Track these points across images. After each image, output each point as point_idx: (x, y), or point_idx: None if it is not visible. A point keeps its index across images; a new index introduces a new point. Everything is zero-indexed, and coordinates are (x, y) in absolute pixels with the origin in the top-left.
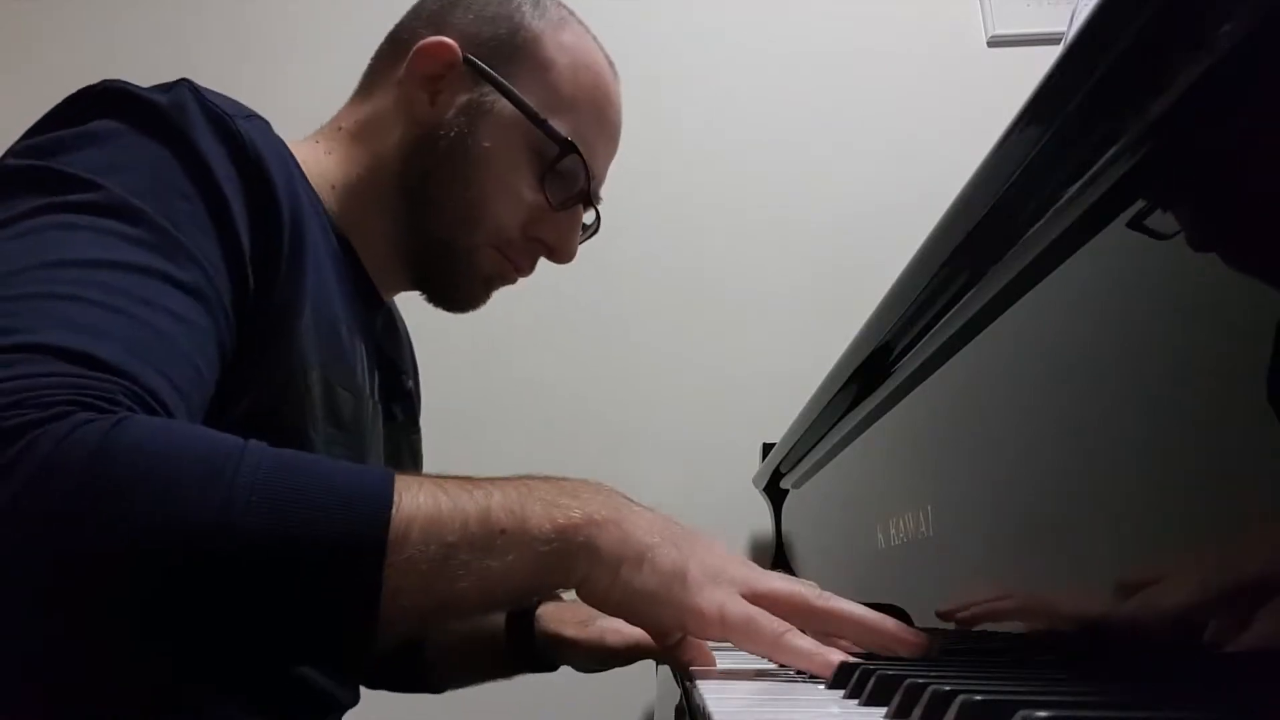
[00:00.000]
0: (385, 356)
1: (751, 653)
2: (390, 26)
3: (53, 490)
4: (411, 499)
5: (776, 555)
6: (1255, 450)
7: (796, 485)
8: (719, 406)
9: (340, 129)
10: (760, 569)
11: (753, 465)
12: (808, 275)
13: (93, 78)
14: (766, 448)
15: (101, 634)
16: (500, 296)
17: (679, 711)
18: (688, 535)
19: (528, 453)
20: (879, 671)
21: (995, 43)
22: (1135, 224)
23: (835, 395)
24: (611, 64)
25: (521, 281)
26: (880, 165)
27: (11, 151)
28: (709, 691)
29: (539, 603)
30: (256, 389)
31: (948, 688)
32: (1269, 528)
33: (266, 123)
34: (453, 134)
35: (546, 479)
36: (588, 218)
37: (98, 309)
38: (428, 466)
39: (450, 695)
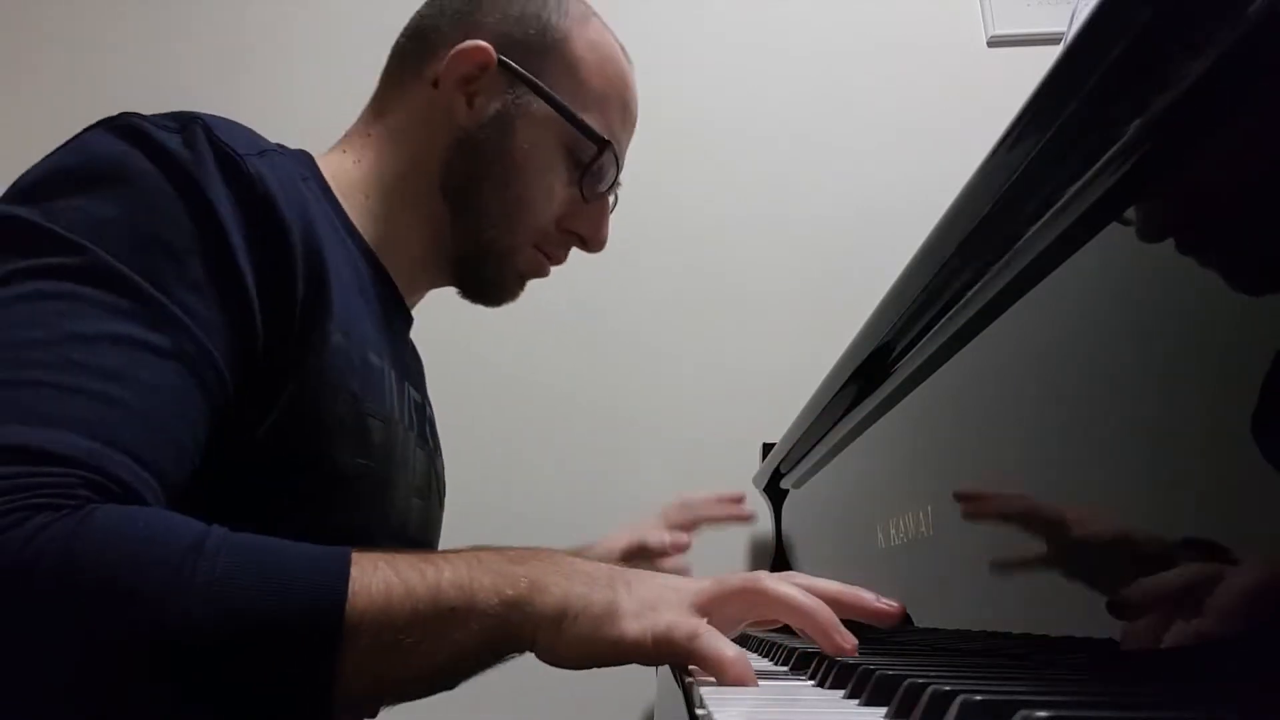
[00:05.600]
0: (412, 378)
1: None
2: (390, 31)
3: (18, 597)
4: (364, 588)
5: (776, 556)
6: (1256, 450)
7: (796, 485)
8: (719, 406)
9: (369, 135)
10: (708, 580)
11: (753, 465)
12: (808, 275)
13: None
14: (766, 448)
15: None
16: None
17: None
18: (625, 576)
19: (528, 453)
20: (879, 671)
21: (995, 43)
22: (1135, 224)
23: (835, 395)
24: (626, 52)
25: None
26: (880, 165)
27: (12, 189)
28: (709, 695)
29: None
30: (285, 421)
31: (948, 688)
32: (1270, 528)
33: (283, 152)
34: (491, 136)
35: (497, 550)
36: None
37: (62, 394)
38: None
39: (450, 694)
